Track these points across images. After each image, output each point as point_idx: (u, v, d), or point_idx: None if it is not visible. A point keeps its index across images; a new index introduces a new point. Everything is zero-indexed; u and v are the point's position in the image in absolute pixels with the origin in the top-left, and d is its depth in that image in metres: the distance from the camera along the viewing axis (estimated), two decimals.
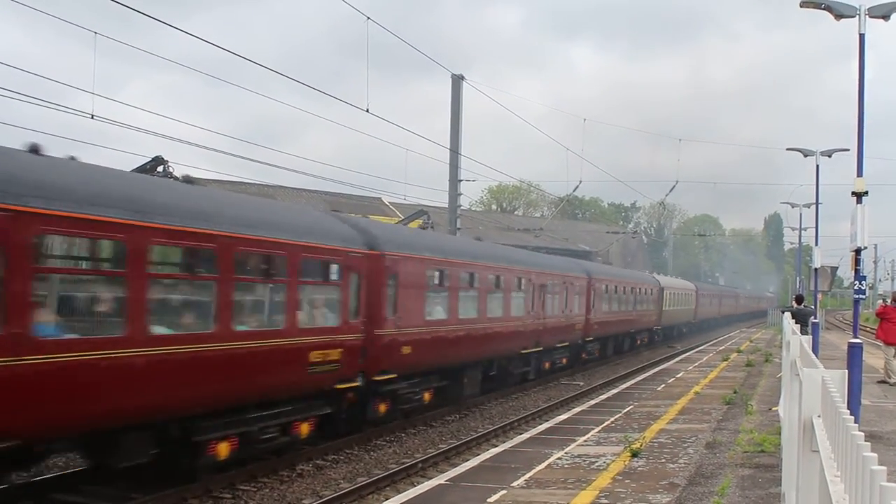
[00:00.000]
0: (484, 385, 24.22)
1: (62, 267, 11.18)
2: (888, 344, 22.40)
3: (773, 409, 17.93)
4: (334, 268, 16.09)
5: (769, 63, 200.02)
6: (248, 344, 13.36)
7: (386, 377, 17.86)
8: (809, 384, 5.19)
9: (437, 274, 20.63)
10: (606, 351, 38.33)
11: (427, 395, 20.42)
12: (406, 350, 18.66)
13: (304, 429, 15.26)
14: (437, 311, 20.75)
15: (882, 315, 23.08)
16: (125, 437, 11.65)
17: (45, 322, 10.13)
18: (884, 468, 2.41)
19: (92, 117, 16.44)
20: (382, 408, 18.25)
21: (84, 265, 11.54)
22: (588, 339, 34.23)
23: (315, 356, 15.17)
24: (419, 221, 26.32)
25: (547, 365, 29.62)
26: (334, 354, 15.77)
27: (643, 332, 45.31)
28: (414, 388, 19.49)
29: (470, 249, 24.02)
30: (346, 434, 17.34)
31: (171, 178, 13.92)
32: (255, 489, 13.84)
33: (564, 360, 31.62)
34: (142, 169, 13.79)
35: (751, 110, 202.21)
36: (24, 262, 9.72)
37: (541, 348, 28.13)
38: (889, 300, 24.74)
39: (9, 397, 9.53)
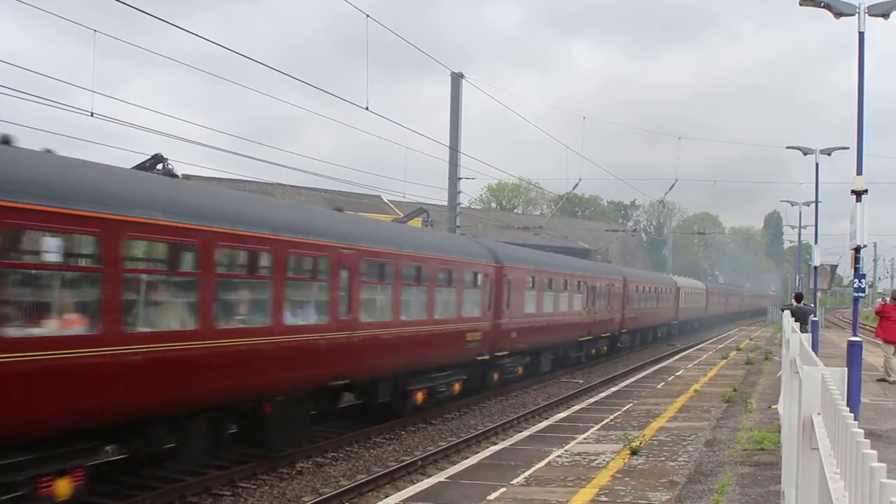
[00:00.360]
0: (546, 365, 30.45)
1: (367, 280, 17.35)
2: (887, 342, 22.41)
3: (773, 407, 17.94)
4: (478, 276, 23.22)
5: (770, 61, 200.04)
6: (441, 328, 20.67)
7: (501, 354, 24.55)
8: (809, 382, 5.20)
9: (530, 279, 27.44)
10: (635, 341, 44.66)
11: (520, 369, 26.86)
12: (513, 335, 25.41)
13: (457, 387, 21.94)
14: (530, 307, 27.39)
15: (881, 313, 23.09)
16: (381, 385, 18.29)
17: (364, 311, 16.97)
18: (883, 465, 2.42)
19: (92, 115, 16.43)
20: (496, 376, 24.82)
21: (375, 279, 17.80)
22: (623, 331, 40.80)
23: (469, 336, 22.23)
24: (419, 219, 26.33)
25: (593, 351, 36.06)
26: (477, 336, 22.75)
27: (663, 326, 51.77)
28: (514, 363, 26.11)
29: (547, 259, 31.72)
30: (475, 393, 23.72)
31: (171, 175, 13.92)
32: (254, 486, 13.85)
33: (605, 348, 38.28)
34: (141, 166, 13.78)
35: (751, 108, 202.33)
36: (357, 278, 16.62)
37: (591, 337, 34.93)
38: (888, 298, 24.76)
39: (350, 353, 16.28)
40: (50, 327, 10.23)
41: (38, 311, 10.28)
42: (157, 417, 12.02)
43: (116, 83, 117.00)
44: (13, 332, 9.58)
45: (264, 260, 14.01)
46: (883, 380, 22.53)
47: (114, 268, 10.91)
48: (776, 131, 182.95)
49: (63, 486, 10.29)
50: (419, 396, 19.83)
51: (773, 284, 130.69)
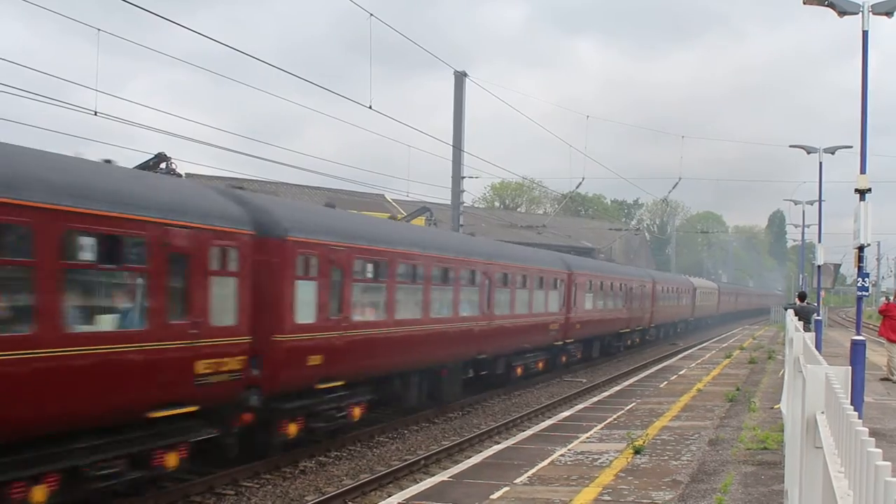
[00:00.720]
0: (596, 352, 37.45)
1: (498, 285, 24.83)
2: (891, 341, 22.36)
3: (776, 406, 17.91)
4: (557, 280, 30.13)
5: (774, 60, 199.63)
6: (535, 319, 27.41)
7: (569, 341, 31.41)
8: (813, 381, 5.18)
9: (589, 282, 34.52)
10: (660, 334, 51.73)
11: (579, 353, 33.47)
12: (578, 326, 32.18)
13: (541, 365, 28.62)
14: (588, 304, 34.43)
15: (885, 312, 23.04)
16: (500, 360, 25.11)
17: (496, 307, 24.25)
18: (888, 464, 2.41)
19: (95, 114, 16.44)
20: (564, 358, 31.37)
21: (501, 283, 24.95)
22: (651, 325, 47.88)
23: (551, 326, 29.30)
24: (422, 218, 26.32)
25: (629, 342, 43.05)
26: (556, 326, 29.69)
27: (682, 322, 59.26)
28: (576, 349, 32.83)
29: (600, 266, 40.37)
30: (549, 371, 29.85)
31: (175, 174, 13.93)
32: (257, 486, 13.86)
33: (638, 340, 45.24)
34: (144, 166, 13.79)
35: (755, 107, 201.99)
36: (493, 284, 24.00)
37: (629, 330, 42.07)
38: (892, 297, 24.71)
39: (488, 336, 23.53)
40: (366, 316, 17.35)
41: (365, 305, 17.39)
42: (397, 374, 19.28)
43: (119, 82, 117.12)
44: (356, 317, 16.71)
45: (451, 273, 21.21)
46: (886, 379, 22.49)
47: (391, 280, 18.19)
48: (780, 130, 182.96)
49: (357, 412, 16.86)
50: (519, 370, 26.31)
51: (778, 284, 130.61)
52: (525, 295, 26.76)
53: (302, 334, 14.89)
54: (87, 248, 10.84)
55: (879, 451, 2.57)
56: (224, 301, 12.95)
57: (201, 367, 12.31)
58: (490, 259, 23.97)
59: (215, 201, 13.31)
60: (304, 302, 14.95)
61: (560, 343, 30.57)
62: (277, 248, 14.32)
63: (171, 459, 12.04)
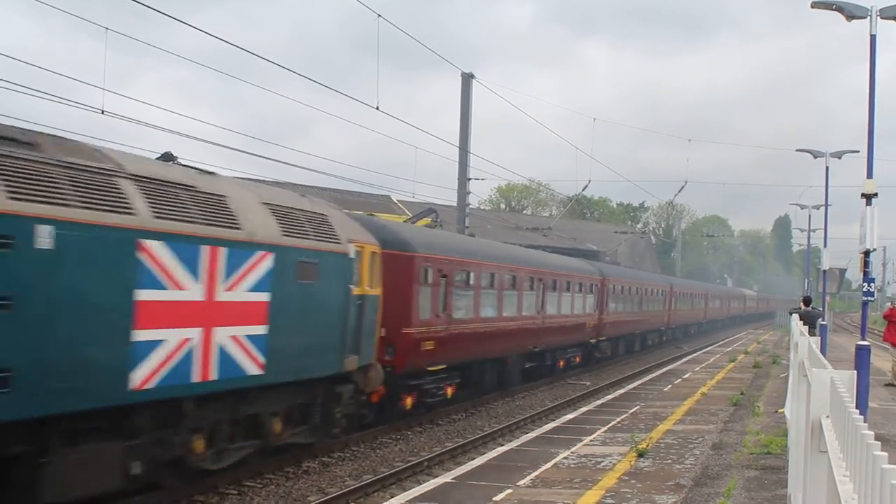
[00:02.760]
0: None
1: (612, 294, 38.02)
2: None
3: (780, 411, 17.87)
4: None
5: (785, 62, 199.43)
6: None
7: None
8: (818, 384, 5.17)
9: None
10: (717, 326, 70.30)
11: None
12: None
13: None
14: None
15: (890, 317, 22.99)
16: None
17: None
18: (894, 467, 2.40)
19: (102, 112, 16.46)
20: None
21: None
22: (731, 316, 72.97)
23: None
24: (427, 220, 26.32)
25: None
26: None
27: (739, 316, 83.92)
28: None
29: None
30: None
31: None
32: (260, 486, 13.85)
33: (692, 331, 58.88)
34: None
35: (766, 110, 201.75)
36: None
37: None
38: None
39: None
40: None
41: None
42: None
43: (127, 80, 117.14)
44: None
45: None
46: (891, 384, 22.44)
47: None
48: (791, 133, 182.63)
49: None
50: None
51: (787, 288, 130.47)
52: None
53: None
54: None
55: (885, 454, 2.56)
56: None
57: None
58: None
59: None
60: None
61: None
62: None
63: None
